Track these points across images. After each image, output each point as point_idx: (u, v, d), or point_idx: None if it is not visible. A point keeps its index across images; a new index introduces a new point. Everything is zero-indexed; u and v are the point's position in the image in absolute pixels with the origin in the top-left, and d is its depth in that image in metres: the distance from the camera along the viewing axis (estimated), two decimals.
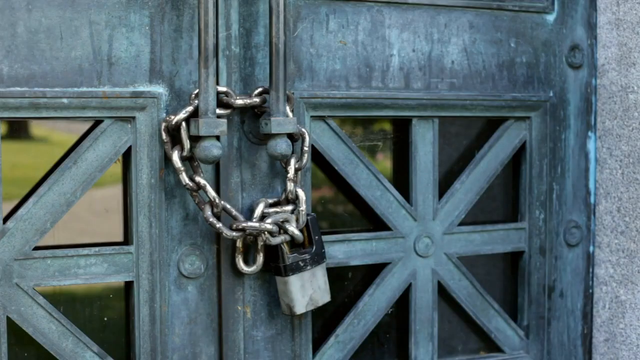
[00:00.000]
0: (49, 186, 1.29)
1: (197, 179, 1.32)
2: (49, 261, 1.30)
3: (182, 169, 1.31)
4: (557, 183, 1.69)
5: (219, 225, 1.33)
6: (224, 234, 1.33)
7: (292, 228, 1.37)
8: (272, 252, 1.39)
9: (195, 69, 1.36)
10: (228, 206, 1.35)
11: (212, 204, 1.33)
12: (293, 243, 1.40)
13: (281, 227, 1.37)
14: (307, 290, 1.40)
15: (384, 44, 1.51)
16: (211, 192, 1.32)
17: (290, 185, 1.38)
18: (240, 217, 1.35)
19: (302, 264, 1.39)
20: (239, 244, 1.38)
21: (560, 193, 1.69)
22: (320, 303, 1.42)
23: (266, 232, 1.35)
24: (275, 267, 1.39)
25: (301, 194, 1.39)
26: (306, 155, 1.40)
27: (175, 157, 1.31)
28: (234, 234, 1.34)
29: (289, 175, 1.39)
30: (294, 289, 1.38)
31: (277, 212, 1.37)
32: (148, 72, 1.33)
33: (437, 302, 1.60)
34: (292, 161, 1.39)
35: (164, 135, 1.32)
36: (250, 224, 1.34)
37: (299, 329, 1.47)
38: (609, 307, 1.71)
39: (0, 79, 1.24)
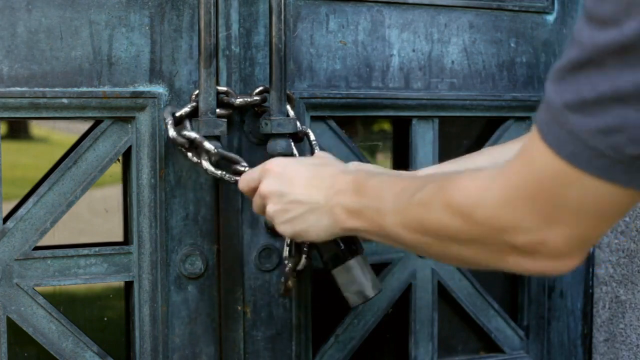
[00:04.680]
0: (49, 186, 1.29)
1: (187, 134, 1.29)
2: (49, 261, 1.30)
3: (176, 134, 1.28)
4: None
5: (219, 172, 1.29)
6: (224, 179, 1.30)
7: None
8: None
9: (195, 69, 1.36)
10: (226, 153, 1.31)
11: (209, 154, 1.29)
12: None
13: None
14: (366, 272, 1.32)
15: (384, 44, 1.51)
16: (207, 144, 1.29)
17: None
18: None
19: (354, 247, 1.31)
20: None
21: None
22: (380, 283, 1.35)
23: None
24: (331, 257, 1.31)
25: None
26: (317, 148, 1.37)
27: (188, 127, 1.29)
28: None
29: None
30: (358, 272, 1.31)
31: None
32: (148, 72, 1.33)
33: (437, 302, 1.60)
34: None
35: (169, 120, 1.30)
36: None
37: (299, 329, 1.47)
38: (609, 307, 1.72)
39: (0, 79, 1.24)
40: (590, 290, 1.75)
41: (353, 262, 1.32)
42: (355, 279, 1.32)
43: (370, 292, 1.32)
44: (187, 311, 1.38)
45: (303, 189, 1.16)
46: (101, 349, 1.34)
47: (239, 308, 1.42)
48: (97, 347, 1.33)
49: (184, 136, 1.29)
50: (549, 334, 1.71)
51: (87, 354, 1.33)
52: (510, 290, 1.74)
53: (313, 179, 1.16)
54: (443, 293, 1.62)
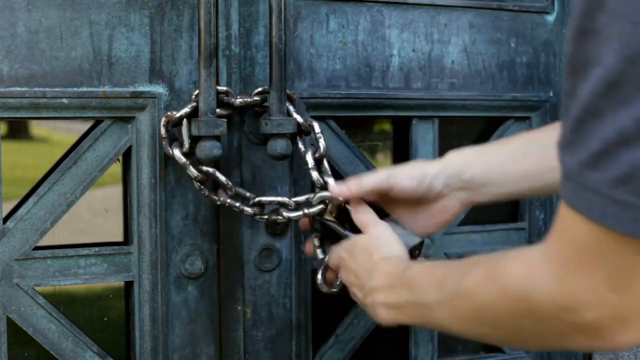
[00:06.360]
0: (49, 186, 1.29)
1: (204, 168, 1.31)
2: (49, 261, 1.30)
3: (188, 162, 1.30)
4: None
5: (238, 204, 1.32)
6: (245, 213, 1.32)
7: (327, 193, 1.30)
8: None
9: (195, 69, 1.36)
10: (241, 190, 1.34)
11: (225, 188, 1.32)
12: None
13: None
14: None
15: (384, 44, 1.51)
16: (222, 177, 1.31)
17: (314, 175, 1.33)
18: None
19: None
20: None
21: None
22: None
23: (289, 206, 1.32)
24: (333, 237, 1.31)
25: (330, 180, 1.32)
26: (321, 141, 1.35)
27: (178, 153, 1.30)
28: (255, 209, 1.32)
29: (309, 166, 1.33)
30: None
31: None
32: (148, 72, 1.33)
33: None
34: (309, 155, 1.34)
35: (162, 131, 1.31)
36: (270, 198, 1.32)
37: (299, 329, 1.47)
38: None
39: (0, 79, 1.24)
40: None
41: None
42: None
43: None
44: (187, 311, 1.38)
45: (355, 281, 1.21)
46: (101, 349, 1.34)
47: (239, 308, 1.42)
48: (97, 347, 1.33)
49: (201, 171, 1.31)
50: None
51: (87, 354, 1.33)
52: None
53: (357, 275, 1.20)
54: None
